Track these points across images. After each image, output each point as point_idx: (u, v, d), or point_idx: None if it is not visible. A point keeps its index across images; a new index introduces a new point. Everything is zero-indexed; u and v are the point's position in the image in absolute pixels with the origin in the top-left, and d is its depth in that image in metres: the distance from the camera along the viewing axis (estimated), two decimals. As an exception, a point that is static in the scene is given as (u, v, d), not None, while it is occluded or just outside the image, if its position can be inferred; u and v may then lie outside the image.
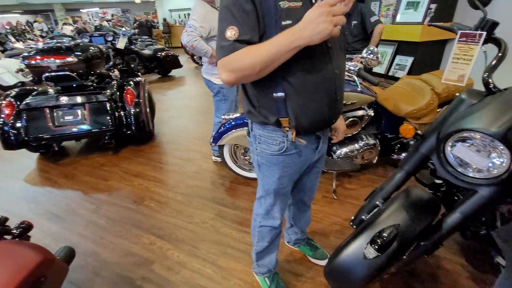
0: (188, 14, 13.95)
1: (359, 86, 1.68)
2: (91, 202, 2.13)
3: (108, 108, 2.60)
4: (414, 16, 3.04)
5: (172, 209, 2.00)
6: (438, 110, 2.05)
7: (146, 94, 2.93)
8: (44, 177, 2.52)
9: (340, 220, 1.82)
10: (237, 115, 2.08)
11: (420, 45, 3.03)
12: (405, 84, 2.18)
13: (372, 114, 2.01)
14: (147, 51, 6.24)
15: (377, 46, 2.76)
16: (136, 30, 7.78)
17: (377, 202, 1.17)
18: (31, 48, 7.06)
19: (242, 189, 2.20)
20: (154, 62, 6.36)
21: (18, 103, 2.51)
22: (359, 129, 1.99)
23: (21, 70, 5.45)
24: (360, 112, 1.91)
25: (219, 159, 2.61)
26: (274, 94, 0.86)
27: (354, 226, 1.22)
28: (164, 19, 13.15)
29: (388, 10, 3.48)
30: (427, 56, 3.18)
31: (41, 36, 9.84)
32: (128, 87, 2.79)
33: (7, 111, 2.48)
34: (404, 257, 1.04)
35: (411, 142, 1.94)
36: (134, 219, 1.91)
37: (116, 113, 2.68)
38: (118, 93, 2.80)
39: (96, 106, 2.58)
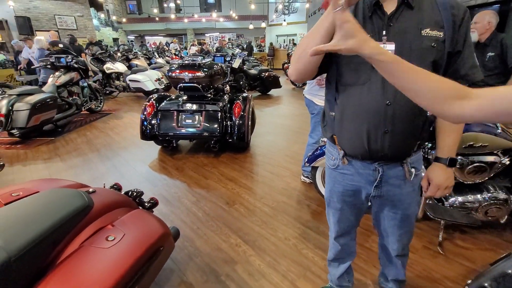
0: (293, 39, 14.79)
1: (498, 128, 1.42)
2: (193, 194, 2.46)
3: (219, 117, 3.00)
4: None
5: (258, 218, 2.11)
6: None
7: (250, 109, 3.24)
8: (162, 166, 3.07)
9: (446, 281, 1.52)
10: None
11: None
12: None
13: (508, 163, 1.65)
14: (253, 71, 6.93)
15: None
16: (246, 52, 8.80)
17: (510, 271, 0.94)
18: (171, 63, 8.89)
19: (329, 215, 2.13)
20: (258, 81, 6.99)
21: (157, 104, 3.19)
22: (486, 178, 1.65)
23: (158, 79, 6.90)
24: (490, 158, 1.59)
25: (307, 180, 2.62)
26: (330, 113, 0.98)
27: (471, 293, 1.01)
28: (271, 43, 14.33)
29: (543, 41, 2.83)
30: None
31: (175, 54, 12.25)
32: (238, 101, 3.16)
33: (149, 110, 3.18)
34: None
35: None
36: (225, 218, 2.10)
37: (224, 122, 3.06)
38: (228, 105, 3.20)
39: (211, 114, 3.02)
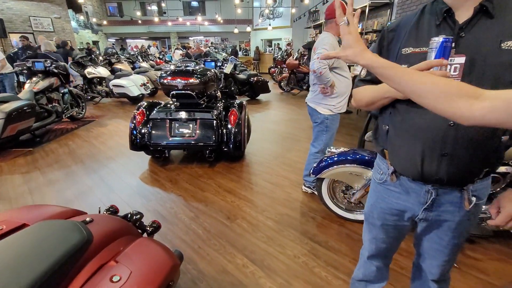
0: (278, 44, 14.87)
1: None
2: (190, 209, 2.31)
3: (215, 126, 2.87)
4: None
5: (263, 234, 1.99)
6: None
7: (246, 116, 3.14)
8: (154, 178, 2.89)
9: (464, 296, 1.48)
10: (343, 149, 2.00)
11: None
12: None
13: (516, 172, 1.64)
14: (242, 76, 6.84)
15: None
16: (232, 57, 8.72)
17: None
18: (156, 68, 8.58)
19: (336, 228, 2.06)
20: (246, 86, 6.90)
21: (148, 113, 3.02)
22: (498, 189, 1.64)
23: (144, 84, 6.65)
24: (503, 168, 1.58)
25: (309, 190, 2.54)
26: (383, 125, 0.93)
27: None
28: (257, 47, 14.32)
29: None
30: None
31: (159, 58, 11.92)
32: (233, 109, 3.04)
33: (139, 118, 2.99)
34: None
35: None
36: (228, 235, 1.98)
37: (220, 130, 2.94)
38: (223, 112, 3.08)
39: (206, 122, 2.88)
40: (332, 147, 2.05)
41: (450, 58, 0.71)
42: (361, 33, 7.60)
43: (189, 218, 2.19)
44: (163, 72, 2.98)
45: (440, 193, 0.85)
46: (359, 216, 2.06)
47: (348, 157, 1.93)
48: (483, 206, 1.67)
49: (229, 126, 2.98)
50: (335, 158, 1.96)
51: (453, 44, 0.73)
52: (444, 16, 0.76)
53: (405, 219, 0.97)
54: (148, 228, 1.36)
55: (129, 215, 1.35)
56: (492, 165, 0.81)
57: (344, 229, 2.04)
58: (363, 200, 2.00)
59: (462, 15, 0.74)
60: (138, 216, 1.38)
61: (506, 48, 0.69)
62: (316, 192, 2.33)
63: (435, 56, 0.66)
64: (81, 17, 14.76)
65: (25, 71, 4.34)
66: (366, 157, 1.86)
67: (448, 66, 0.73)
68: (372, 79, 0.94)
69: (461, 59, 0.72)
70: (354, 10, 0.72)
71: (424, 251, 1.05)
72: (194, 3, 18.94)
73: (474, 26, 0.73)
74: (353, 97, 1.01)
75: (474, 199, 0.84)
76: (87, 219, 1.04)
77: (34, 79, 4.24)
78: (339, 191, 2.10)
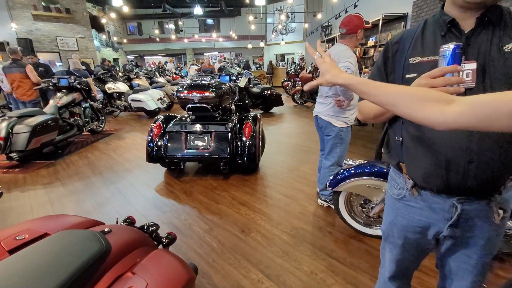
0: (292, 58, 15.07)
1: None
2: (204, 222, 2.30)
3: (229, 138, 2.90)
4: None
5: (278, 248, 1.95)
6: None
7: (260, 129, 3.15)
8: (169, 190, 2.91)
9: (498, 321, 1.37)
10: (360, 162, 1.95)
11: None
12: None
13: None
14: (255, 89, 6.93)
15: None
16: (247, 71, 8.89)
17: None
18: (172, 83, 8.88)
19: (354, 244, 1.98)
20: (260, 99, 6.98)
21: (164, 126, 3.09)
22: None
23: (160, 98, 6.86)
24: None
25: (325, 204, 2.48)
26: (396, 137, 0.90)
27: None
28: (270, 62, 14.57)
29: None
30: None
31: (175, 74, 12.33)
32: (248, 121, 3.07)
33: (155, 131, 3.07)
34: None
35: None
36: (243, 249, 1.94)
37: (234, 143, 2.95)
38: (238, 125, 3.10)
39: (220, 135, 2.91)
40: (349, 160, 2.01)
41: (461, 64, 0.71)
42: (374, 46, 7.59)
43: (203, 231, 2.17)
44: (179, 86, 3.07)
45: (466, 207, 0.81)
46: (379, 231, 1.98)
47: (366, 170, 1.87)
48: (509, 222, 1.57)
49: (244, 138, 3.00)
50: (352, 171, 1.91)
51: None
52: (448, 26, 0.77)
53: (429, 237, 0.91)
54: (164, 240, 1.36)
55: (146, 226, 1.35)
56: None
57: (363, 244, 1.96)
58: (382, 214, 1.93)
59: (466, 25, 0.75)
60: (154, 227, 1.38)
61: (509, 51, 0.71)
62: (332, 206, 2.27)
63: (447, 63, 0.66)
64: (103, 36, 15.61)
65: (51, 87, 4.59)
66: (385, 170, 1.81)
67: (460, 72, 0.72)
68: None
69: (473, 65, 0.72)
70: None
71: (451, 272, 0.98)
72: (210, 21, 19.64)
73: (479, 34, 0.74)
74: (359, 110, 0.99)
75: (501, 211, 0.80)
76: (106, 229, 1.05)
77: (58, 94, 4.47)
78: (357, 205, 2.03)
